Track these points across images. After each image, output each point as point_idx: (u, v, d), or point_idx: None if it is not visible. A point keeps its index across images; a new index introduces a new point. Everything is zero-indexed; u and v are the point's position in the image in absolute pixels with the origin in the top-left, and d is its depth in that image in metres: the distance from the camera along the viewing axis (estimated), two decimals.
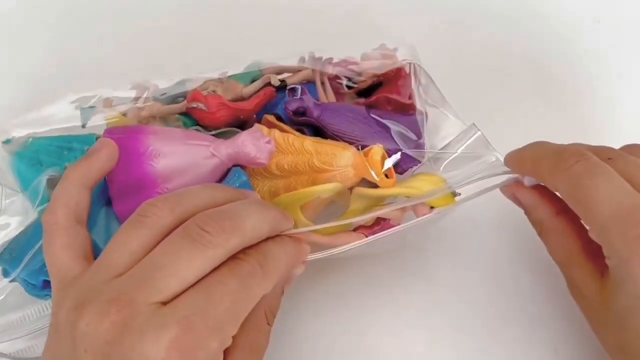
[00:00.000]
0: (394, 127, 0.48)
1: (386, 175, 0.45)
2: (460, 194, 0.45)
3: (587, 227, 0.39)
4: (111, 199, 0.42)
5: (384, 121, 0.48)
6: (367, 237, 0.44)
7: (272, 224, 0.38)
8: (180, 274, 0.33)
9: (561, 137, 0.45)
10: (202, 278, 0.34)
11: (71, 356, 0.33)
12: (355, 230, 0.45)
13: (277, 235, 0.39)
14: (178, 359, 0.31)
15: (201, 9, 0.67)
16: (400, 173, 0.48)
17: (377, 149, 0.44)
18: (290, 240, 0.39)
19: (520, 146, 0.45)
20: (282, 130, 0.46)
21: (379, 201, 0.46)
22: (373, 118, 0.48)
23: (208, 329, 0.32)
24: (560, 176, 0.39)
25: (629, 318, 0.36)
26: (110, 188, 0.42)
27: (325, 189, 0.43)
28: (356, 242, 0.42)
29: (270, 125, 0.47)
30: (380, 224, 0.45)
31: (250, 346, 0.37)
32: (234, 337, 0.34)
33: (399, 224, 0.45)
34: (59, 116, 0.48)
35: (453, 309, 0.48)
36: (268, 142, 0.43)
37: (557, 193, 0.42)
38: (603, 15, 0.66)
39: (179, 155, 0.42)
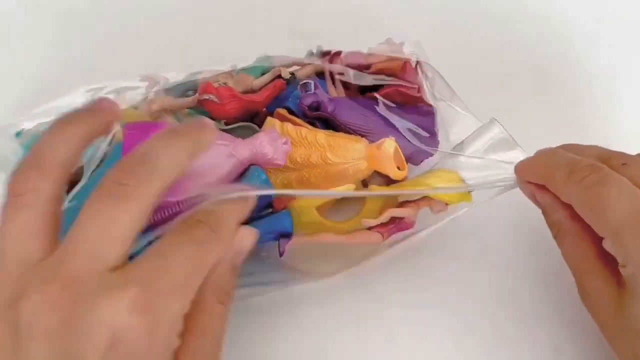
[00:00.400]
0: (401, 124, 0.49)
1: (398, 168, 0.45)
2: (474, 189, 0.45)
3: (602, 236, 0.39)
4: None
5: (393, 121, 0.49)
6: (382, 235, 0.45)
7: (189, 149, 0.36)
8: (111, 235, 0.32)
9: (562, 137, 0.45)
10: (157, 244, 0.33)
11: (16, 354, 0.31)
12: (370, 228, 0.45)
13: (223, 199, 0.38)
14: (141, 320, 0.31)
15: (200, 8, 0.67)
16: (416, 164, 0.49)
17: (389, 142, 0.45)
18: (235, 200, 0.38)
19: (523, 146, 0.46)
20: (294, 123, 0.46)
21: (394, 199, 0.46)
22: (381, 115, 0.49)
23: (169, 288, 0.32)
24: (573, 187, 0.39)
25: None
26: None
27: (341, 190, 0.44)
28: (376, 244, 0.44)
29: (283, 119, 0.47)
30: (394, 222, 0.46)
31: (203, 330, 0.36)
32: (185, 322, 0.34)
33: (413, 221, 0.46)
34: (70, 108, 0.48)
35: (453, 308, 0.48)
36: (285, 143, 0.43)
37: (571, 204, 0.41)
38: (603, 15, 0.67)
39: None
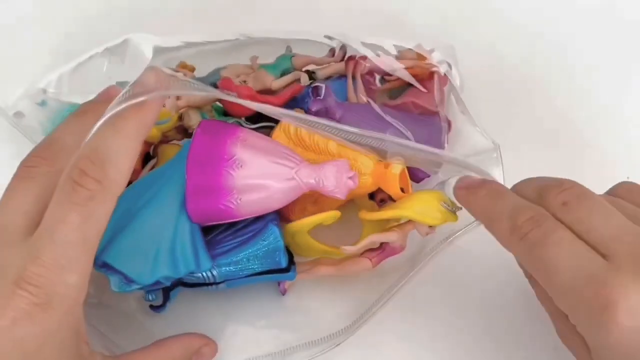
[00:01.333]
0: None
1: (402, 190, 0.46)
2: (461, 208, 0.45)
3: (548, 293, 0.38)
4: (186, 195, 0.42)
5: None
6: (372, 261, 0.46)
7: (91, 125, 0.36)
8: (15, 208, 0.36)
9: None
10: (49, 209, 0.35)
11: None
12: (361, 255, 0.47)
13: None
14: (34, 295, 0.33)
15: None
16: (417, 182, 0.50)
17: (397, 164, 0.45)
18: (128, 117, 0.36)
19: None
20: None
21: (384, 225, 0.47)
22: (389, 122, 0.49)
23: (56, 262, 0.34)
24: (516, 244, 0.39)
25: None
26: (187, 184, 0.42)
27: (328, 217, 0.45)
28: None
29: None
30: (382, 247, 0.47)
31: None
32: None
33: (402, 246, 0.47)
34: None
35: (452, 306, 0.49)
36: (351, 177, 0.43)
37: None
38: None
39: (260, 171, 0.42)
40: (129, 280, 0.42)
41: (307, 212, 0.47)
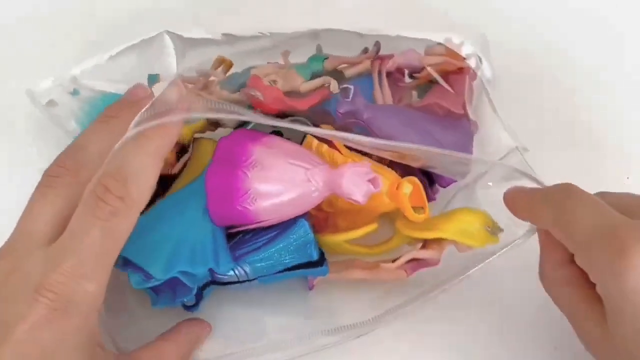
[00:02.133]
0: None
1: (421, 207, 0.45)
2: (503, 230, 0.46)
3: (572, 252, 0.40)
4: (207, 197, 0.43)
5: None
6: (406, 272, 0.46)
7: (119, 133, 0.37)
8: (39, 217, 0.38)
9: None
10: (73, 219, 0.36)
11: None
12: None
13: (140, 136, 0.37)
14: (49, 297, 0.35)
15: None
16: (444, 187, 0.50)
17: (407, 184, 0.44)
18: (150, 135, 0.38)
19: None
20: (330, 146, 0.47)
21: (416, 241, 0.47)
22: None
23: (76, 271, 0.35)
24: (546, 207, 0.41)
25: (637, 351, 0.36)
26: (207, 184, 0.43)
27: (364, 232, 0.46)
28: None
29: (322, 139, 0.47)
30: (418, 260, 0.47)
31: None
32: None
33: (438, 259, 0.47)
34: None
35: (453, 308, 0.49)
36: (371, 180, 0.42)
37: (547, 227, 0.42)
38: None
39: (277, 171, 0.42)
40: (148, 277, 0.43)
41: (339, 228, 0.48)
